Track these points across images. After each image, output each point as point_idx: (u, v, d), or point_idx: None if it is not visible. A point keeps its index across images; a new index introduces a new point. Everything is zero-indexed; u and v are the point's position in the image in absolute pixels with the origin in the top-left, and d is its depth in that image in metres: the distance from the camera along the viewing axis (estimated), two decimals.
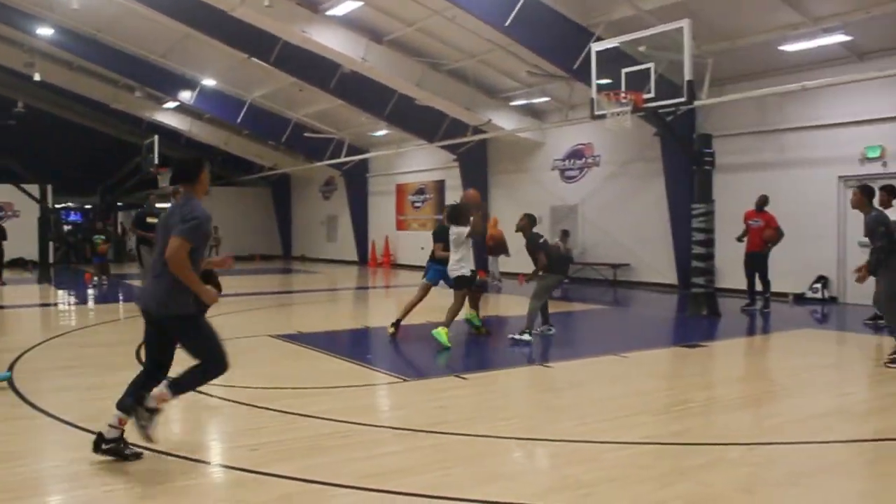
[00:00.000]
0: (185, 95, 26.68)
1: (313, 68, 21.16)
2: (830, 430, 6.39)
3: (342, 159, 28.21)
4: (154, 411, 5.32)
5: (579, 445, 5.93)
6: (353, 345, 11.59)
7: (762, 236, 14.40)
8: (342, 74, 21.28)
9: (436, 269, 11.55)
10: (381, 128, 26.08)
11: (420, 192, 27.91)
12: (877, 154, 14.97)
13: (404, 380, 8.48)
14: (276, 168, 34.26)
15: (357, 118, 25.58)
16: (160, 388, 5.37)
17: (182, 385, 5.47)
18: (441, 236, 11.55)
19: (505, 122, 21.45)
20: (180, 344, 5.53)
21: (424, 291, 11.60)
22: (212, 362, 5.47)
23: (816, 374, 8.86)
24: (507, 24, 15.13)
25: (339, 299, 19.54)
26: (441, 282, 11.49)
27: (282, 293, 20.38)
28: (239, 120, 27.77)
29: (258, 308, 15.43)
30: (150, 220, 14.60)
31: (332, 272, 27.71)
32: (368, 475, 5.14)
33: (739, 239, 14.69)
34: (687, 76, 12.33)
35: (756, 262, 14.56)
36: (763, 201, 14.61)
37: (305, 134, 27.96)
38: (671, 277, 18.28)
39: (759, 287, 14.60)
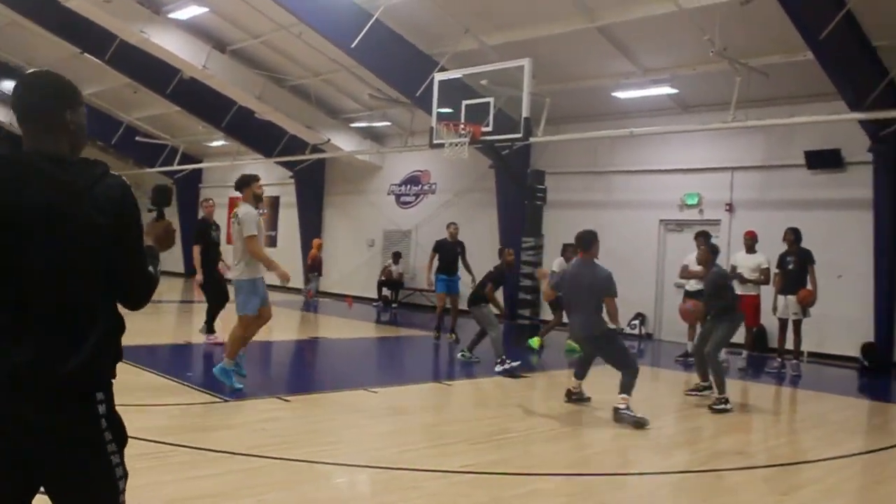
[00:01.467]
0: (7, 85, 25.12)
1: (150, 71, 20.37)
2: (640, 462, 6.67)
3: (175, 167, 27.28)
4: None
5: (399, 473, 5.92)
6: (174, 361, 11.19)
7: None
8: (181, 80, 20.63)
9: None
10: (217, 138, 25.45)
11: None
12: (695, 201, 15.87)
13: (225, 400, 8.23)
14: None
15: (193, 126, 24.86)
16: None
17: None
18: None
19: (344, 142, 21.39)
20: None
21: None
22: None
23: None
24: (353, 45, 15.10)
25: (161, 312, 18.82)
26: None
27: None
28: None
29: None
30: None
31: (166, 282, 26.65)
32: (178, 499, 4.96)
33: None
34: (524, 113, 12.72)
35: None
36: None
37: (137, 138, 26.90)
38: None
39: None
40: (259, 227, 8.44)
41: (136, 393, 8.21)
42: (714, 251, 10.13)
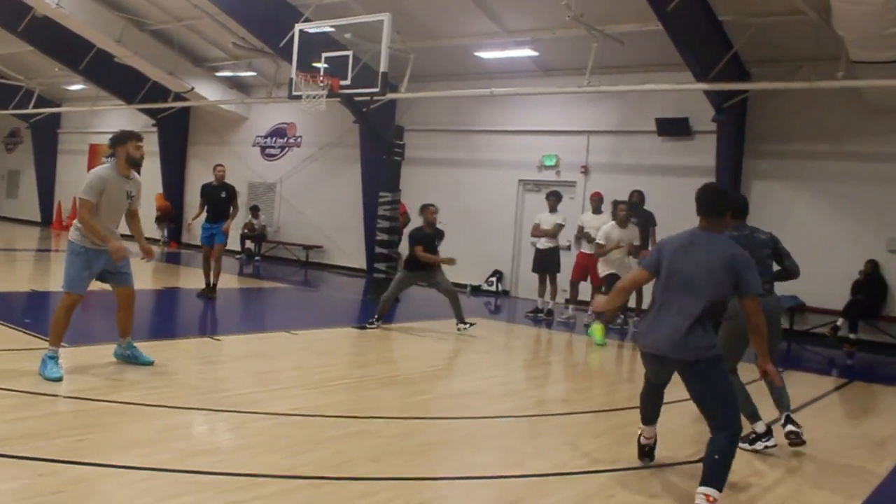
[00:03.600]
0: None
1: (0, 6, 19.40)
2: (467, 407, 6.96)
3: (30, 110, 26.07)
4: None
5: (226, 415, 6.02)
6: (15, 307, 10.87)
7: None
8: (34, 18, 19.65)
9: None
10: (76, 81, 24.43)
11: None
12: (552, 163, 16.32)
13: (63, 346, 8.08)
14: None
15: (50, 68, 23.75)
16: None
17: None
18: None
19: (209, 92, 20.92)
20: None
21: None
22: None
23: (470, 358, 9.59)
24: None
25: (10, 260, 18.16)
26: None
27: None
28: None
29: None
30: None
31: (8, 231, 25.62)
32: None
33: None
34: (382, 68, 12.78)
35: None
36: None
37: None
38: (361, 262, 18.79)
39: None
40: (109, 194, 6.93)
41: None
42: None
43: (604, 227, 11.59)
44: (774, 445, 6.00)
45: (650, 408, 5.45)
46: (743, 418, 5.10)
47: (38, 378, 6.52)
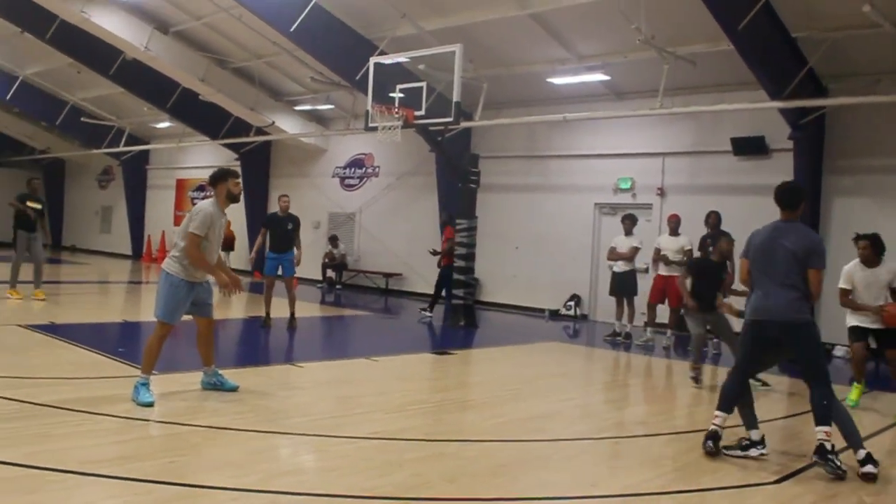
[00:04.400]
0: None
1: (93, 51, 20.32)
2: (542, 430, 7.04)
3: (121, 148, 27.20)
4: None
5: (309, 439, 6.24)
6: (109, 337, 11.35)
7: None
8: (124, 61, 20.61)
9: None
10: (163, 119, 25.43)
11: (200, 188, 27.40)
12: (628, 186, 16.32)
13: (154, 373, 8.44)
14: (49, 151, 32.50)
15: (139, 107, 24.80)
16: None
17: None
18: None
19: (289, 125, 21.57)
20: None
21: None
22: None
23: (548, 382, 9.64)
24: (292, 29, 15.31)
25: (104, 292, 18.92)
26: None
27: (43, 283, 19.35)
28: (8, 96, 26.15)
29: (13, 297, 14.65)
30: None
31: (102, 264, 26.65)
32: (92, 461, 5.21)
33: (434, 253, 15.99)
34: (455, 97, 13.00)
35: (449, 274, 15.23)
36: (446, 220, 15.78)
37: (83, 119, 26.71)
38: None
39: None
40: (212, 229, 7.24)
41: (63, 367, 8.45)
42: None
43: None
44: (766, 454, 6.23)
45: (735, 397, 6.31)
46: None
47: (132, 404, 6.85)
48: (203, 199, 26.69)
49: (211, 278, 7.55)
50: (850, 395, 8.66)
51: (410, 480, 5.29)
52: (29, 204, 13.90)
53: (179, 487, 4.86)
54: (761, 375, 8.66)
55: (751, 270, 6.33)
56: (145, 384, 7.06)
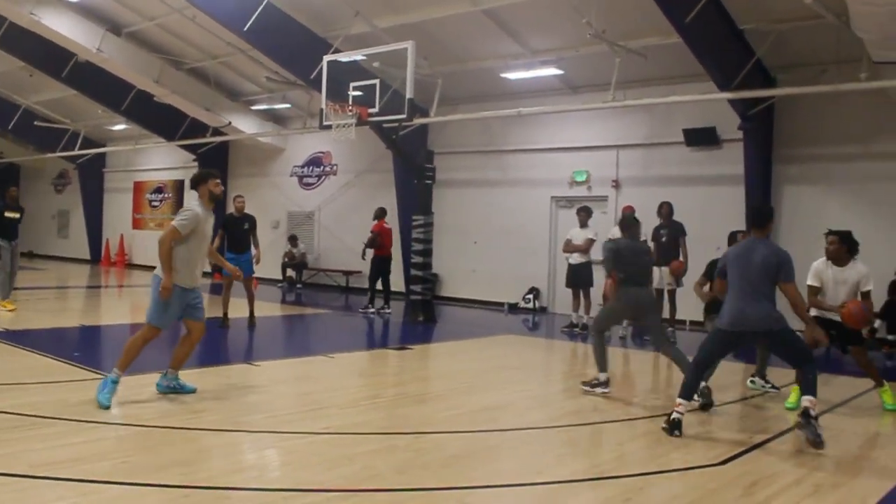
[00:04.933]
0: None
1: (45, 54, 20.05)
2: (495, 420, 7.15)
3: (76, 152, 26.87)
4: None
5: (262, 436, 6.30)
6: (65, 343, 11.26)
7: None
8: (77, 63, 20.38)
9: None
10: (119, 122, 25.16)
11: (158, 190, 27.24)
12: (583, 178, 16.48)
13: (105, 375, 8.41)
14: (2, 156, 32.06)
15: (93, 110, 24.52)
16: None
17: None
18: None
19: (246, 125, 21.48)
20: None
21: None
22: None
23: (504, 374, 9.74)
24: (245, 28, 15.26)
25: (62, 297, 18.73)
26: None
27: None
28: None
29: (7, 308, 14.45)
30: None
31: (60, 270, 26.34)
32: (42, 464, 5.21)
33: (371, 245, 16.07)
34: (408, 94, 13.04)
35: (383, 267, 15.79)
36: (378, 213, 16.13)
37: (36, 122, 26.41)
38: (399, 285, 19.02)
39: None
40: (200, 231, 7.31)
41: (16, 373, 8.40)
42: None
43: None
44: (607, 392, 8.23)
45: (695, 387, 6.99)
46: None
47: (85, 407, 6.84)
48: (160, 201, 26.66)
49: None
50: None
51: (361, 473, 5.36)
52: (7, 214, 13.63)
53: (129, 486, 4.88)
54: (770, 378, 8.89)
55: (728, 284, 6.87)
56: (115, 381, 7.11)
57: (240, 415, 6.95)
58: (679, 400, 6.64)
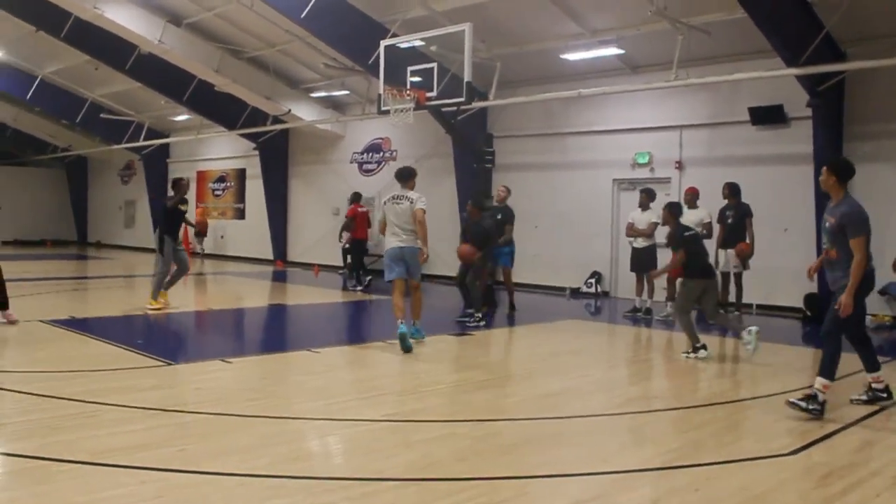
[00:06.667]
0: None
1: (108, 47, 20.40)
2: (556, 407, 6.99)
3: (141, 143, 27.36)
4: None
5: (320, 423, 6.24)
6: (128, 330, 11.38)
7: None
8: (139, 55, 20.66)
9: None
10: (181, 112, 25.50)
11: (221, 179, 27.53)
12: (646, 160, 16.14)
13: (169, 363, 8.49)
14: (70, 149, 32.78)
15: (156, 101, 24.94)
16: None
17: None
18: None
19: (305, 112, 21.56)
20: None
21: None
22: None
23: (566, 359, 9.58)
24: (303, 15, 15.27)
25: (127, 286, 19.02)
26: None
27: (67, 279, 19.57)
28: (29, 96, 26.35)
29: (37, 293, 14.78)
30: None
31: (126, 259, 26.84)
32: (102, 451, 5.22)
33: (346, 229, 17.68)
34: (467, 77, 12.91)
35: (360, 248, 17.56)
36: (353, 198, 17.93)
37: (102, 115, 26.93)
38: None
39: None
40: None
41: (80, 360, 8.49)
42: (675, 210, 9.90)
43: None
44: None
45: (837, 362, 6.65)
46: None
47: (146, 394, 6.90)
48: (223, 190, 26.93)
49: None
50: None
51: (420, 461, 5.26)
52: (181, 208, 13.06)
53: (186, 475, 4.86)
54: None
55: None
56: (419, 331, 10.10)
57: (297, 402, 6.93)
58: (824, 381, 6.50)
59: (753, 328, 9.33)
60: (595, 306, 15.67)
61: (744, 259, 12.33)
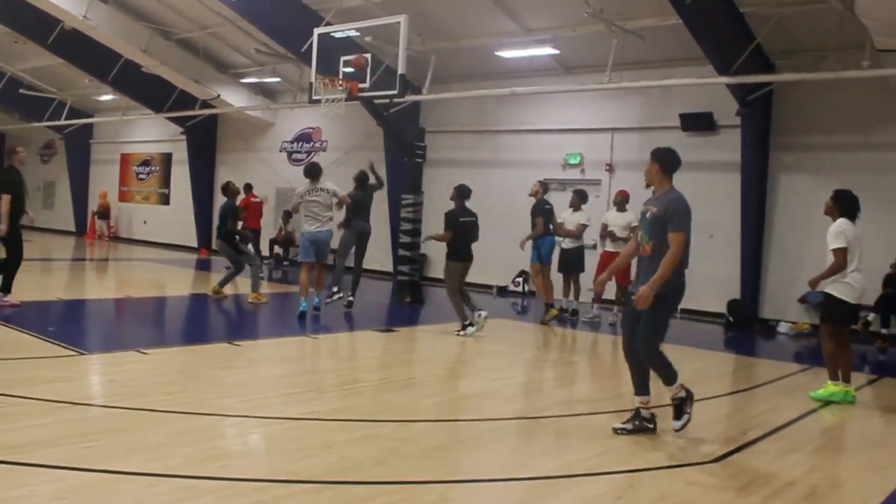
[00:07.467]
0: None
1: (30, 20, 19.56)
2: (479, 409, 6.91)
3: (63, 122, 26.46)
4: None
5: (237, 420, 6.03)
6: (42, 317, 10.95)
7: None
8: (63, 30, 19.89)
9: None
10: (106, 92, 24.70)
11: (146, 163, 26.83)
12: (577, 161, 16.20)
13: (81, 353, 8.16)
14: None
15: (80, 79, 24.07)
16: None
17: None
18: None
19: (235, 98, 21.08)
20: None
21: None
22: None
23: (490, 360, 9.51)
24: None
25: (43, 270, 18.37)
26: None
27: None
28: None
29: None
30: None
31: (43, 241, 25.91)
32: (2, 447, 4.94)
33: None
34: (400, 69, 12.71)
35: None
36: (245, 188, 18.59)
37: (22, 90, 25.98)
38: (387, 265, 18.77)
39: None
40: None
41: None
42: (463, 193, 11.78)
43: None
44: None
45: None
46: None
47: (55, 386, 6.60)
48: (147, 174, 26.28)
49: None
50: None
51: (339, 462, 5.11)
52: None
53: (92, 474, 4.61)
54: None
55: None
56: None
57: (215, 398, 6.69)
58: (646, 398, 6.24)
59: (483, 312, 10.80)
60: (522, 306, 15.68)
61: None
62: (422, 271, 14.99)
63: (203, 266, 20.09)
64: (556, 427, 6.48)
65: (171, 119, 23.14)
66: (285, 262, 20.80)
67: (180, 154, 24.61)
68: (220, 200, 23.11)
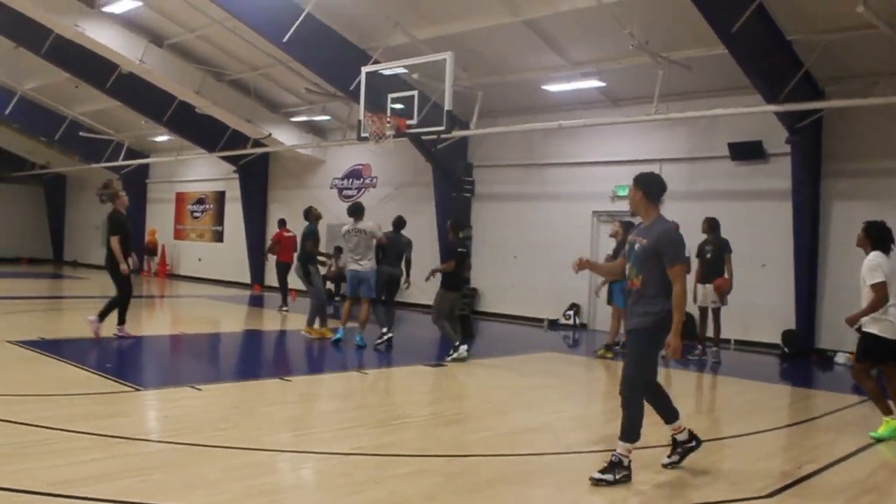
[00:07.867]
0: None
1: (89, 65, 20.24)
2: (531, 443, 6.88)
3: (120, 162, 27.14)
4: None
5: (288, 455, 6.10)
6: (97, 353, 11.18)
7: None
8: (120, 74, 20.51)
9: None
10: (161, 133, 25.35)
11: (200, 201, 27.36)
12: (625, 193, 16.09)
13: (137, 389, 8.33)
14: (49, 166, 32.47)
15: (136, 121, 24.73)
16: None
17: None
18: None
19: (285, 137, 21.49)
20: None
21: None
22: None
23: (541, 393, 9.47)
24: (285, 39, 15.21)
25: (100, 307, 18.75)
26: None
27: (40, 298, 19.31)
28: (7, 112, 26.09)
29: (9, 312, 14.56)
30: None
31: (102, 279, 26.39)
32: (61, 482, 5.05)
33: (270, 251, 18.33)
34: (447, 106, 12.89)
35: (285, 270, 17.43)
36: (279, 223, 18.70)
37: (81, 133, 26.71)
38: None
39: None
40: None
41: (46, 384, 8.31)
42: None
43: None
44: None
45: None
46: None
47: (112, 421, 6.72)
48: (202, 212, 26.76)
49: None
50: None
51: (388, 498, 5.14)
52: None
53: None
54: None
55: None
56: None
57: (266, 433, 6.76)
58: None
59: (464, 347, 11.20)
60: (573, 338, 15.60)
61: (722, 294, 12.29)
62: (472, 305, 14.99)
63: (256, 302, 20.37)
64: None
65: (223, 158, 23.63)
66: (337, 299, 20.97)
67: (233, 192, 25.06)
68: (272, 235, 23.67)
